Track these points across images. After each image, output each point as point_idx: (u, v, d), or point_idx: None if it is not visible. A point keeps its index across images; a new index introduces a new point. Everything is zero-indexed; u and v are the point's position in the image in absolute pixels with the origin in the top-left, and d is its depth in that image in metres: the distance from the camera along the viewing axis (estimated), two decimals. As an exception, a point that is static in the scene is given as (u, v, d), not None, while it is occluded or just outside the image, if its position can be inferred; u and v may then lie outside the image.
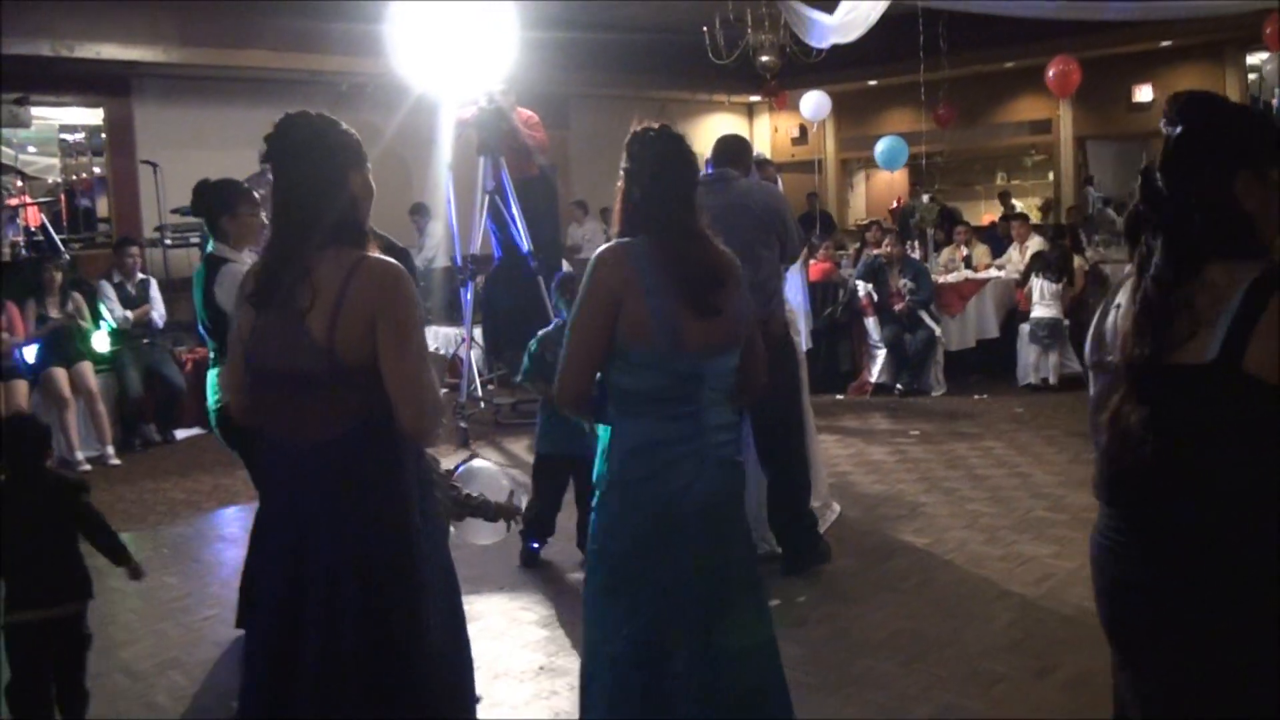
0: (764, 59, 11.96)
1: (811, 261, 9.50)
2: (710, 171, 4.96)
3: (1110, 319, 2.19)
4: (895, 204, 15.19)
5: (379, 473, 2.56)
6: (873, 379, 9.58)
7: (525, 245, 8.13)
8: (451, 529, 3.20)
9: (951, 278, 10.13)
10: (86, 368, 8.25)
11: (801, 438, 5.26)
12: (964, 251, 10.70)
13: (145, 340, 8.79)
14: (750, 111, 18.68)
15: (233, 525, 6.39)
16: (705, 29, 11.20)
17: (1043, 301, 9.28)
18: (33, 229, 9.81)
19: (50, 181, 11.76)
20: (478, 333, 9.32)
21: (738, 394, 2.82)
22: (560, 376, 2.71)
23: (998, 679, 3.83)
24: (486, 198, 8.18)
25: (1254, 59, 14.08)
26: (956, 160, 17.58)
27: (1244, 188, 2.01)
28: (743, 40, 11.59)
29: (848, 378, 9.76)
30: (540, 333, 5.25)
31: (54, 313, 8.22)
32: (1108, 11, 10.15)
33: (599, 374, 2.69)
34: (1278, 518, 1.93)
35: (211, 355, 4.49)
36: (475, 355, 8.96)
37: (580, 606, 2.85)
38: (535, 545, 5.30)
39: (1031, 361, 9.42)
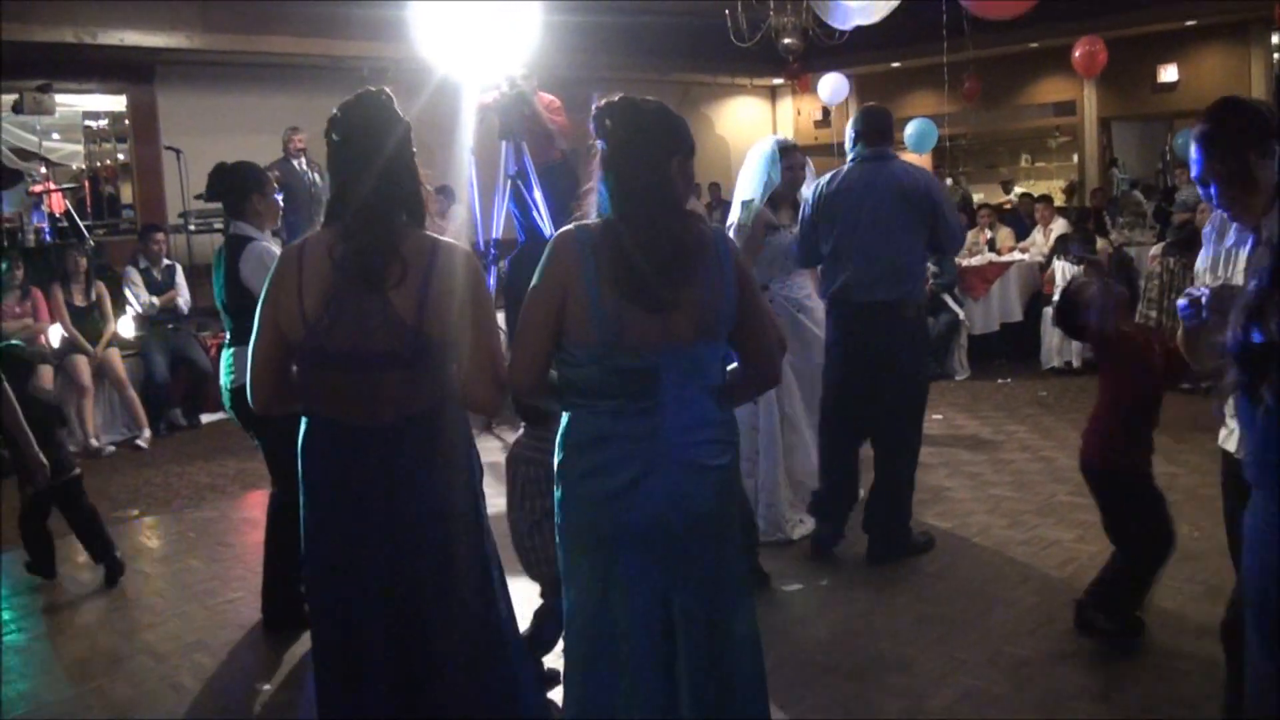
0: (786, 41, 11.86)
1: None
2: (865, 149, 4.86)
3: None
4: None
5: (458, 444, 2.67)
6: (897, 362, 9.52)
7: (548, 230, 8.14)
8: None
9: (975, 261, 10.06)
10: (114, 354, 8.34)
11: (918, 430, 5.12)
12: (988, 234, 10.63)
13: (171, 325, 8.87)
14: (773, 94, 18.57)
15: (257, 509, 6.39)
16: (727, 11, 11.14)
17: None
18: (58, 215, 9.91)
19: (75, 168, 11.84)
20: (501, 316, 9.33)
21: (742, 388, 2.67)
22: (510, 366, 2.59)
23: (1021, 663, 3.82)
24: (509, 182, 8.19)
25: (1279, 38, 13.90)
26: (980, 143, 17.44)
27: None
28: (765, 22, 11.52)
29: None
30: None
31: (79, 299, 8.30)
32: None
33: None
34: None
35: (227, 335, 4.45)
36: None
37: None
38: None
39: (1055, 345, 9.37)
